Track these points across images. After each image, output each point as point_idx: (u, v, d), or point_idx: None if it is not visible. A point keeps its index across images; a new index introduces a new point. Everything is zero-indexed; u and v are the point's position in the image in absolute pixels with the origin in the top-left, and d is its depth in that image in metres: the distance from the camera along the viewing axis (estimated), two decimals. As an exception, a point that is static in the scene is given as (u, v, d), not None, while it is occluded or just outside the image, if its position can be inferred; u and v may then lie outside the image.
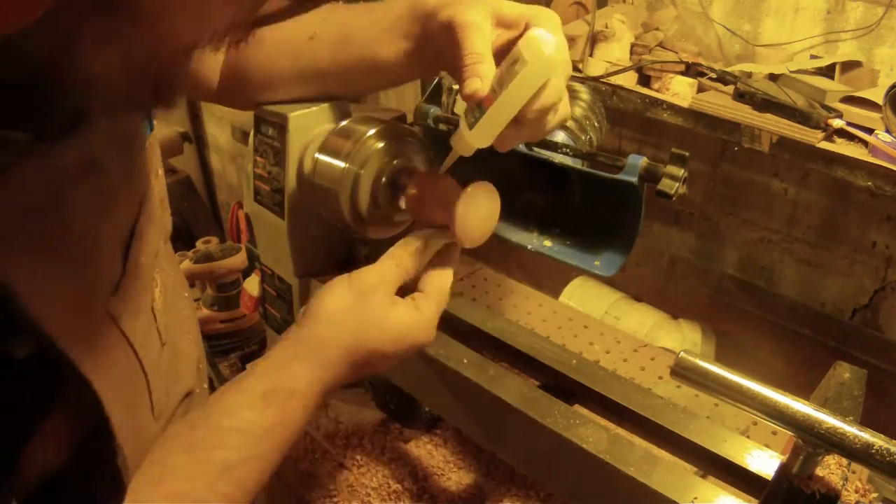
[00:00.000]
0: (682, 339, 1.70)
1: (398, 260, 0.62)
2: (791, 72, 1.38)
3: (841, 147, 1.24)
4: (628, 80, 1.51)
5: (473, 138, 0.58)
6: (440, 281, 0.64)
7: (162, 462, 0.51)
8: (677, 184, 0.69)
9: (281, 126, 0.92)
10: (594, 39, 1.55)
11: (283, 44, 0.80)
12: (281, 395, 0.54)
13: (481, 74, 0.54)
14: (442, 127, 0.92)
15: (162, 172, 0.66)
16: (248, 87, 0.84)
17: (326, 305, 0.58)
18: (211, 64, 0.84)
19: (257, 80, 0.84)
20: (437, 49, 0.63)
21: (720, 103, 1.35)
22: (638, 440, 0.72)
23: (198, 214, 3.28)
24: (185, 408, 0.67)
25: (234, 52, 0.80)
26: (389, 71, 0.74)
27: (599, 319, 1.56)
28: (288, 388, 0.54)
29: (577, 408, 0.76)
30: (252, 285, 1.20)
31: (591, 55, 1.55)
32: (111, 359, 0.51)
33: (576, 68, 1.58)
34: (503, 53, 0.56)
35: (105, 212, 0.50)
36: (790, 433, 0.53)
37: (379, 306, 0.58)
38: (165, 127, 3.09)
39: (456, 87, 0.98)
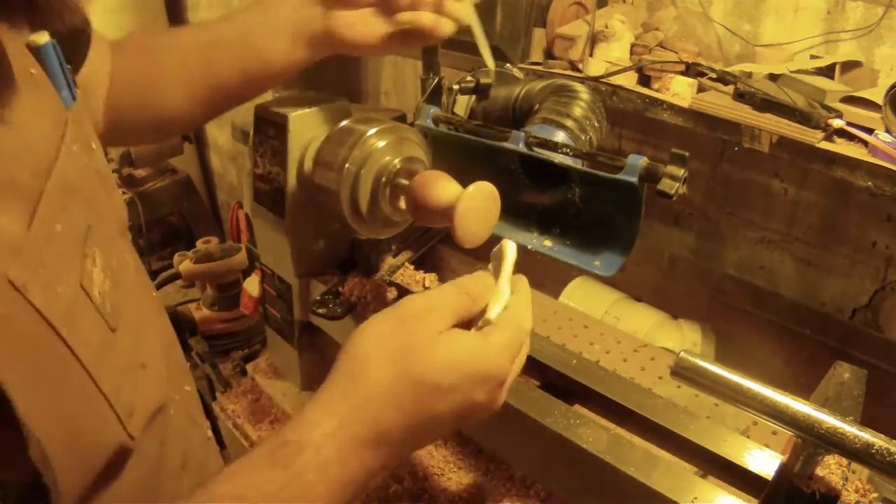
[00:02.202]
0: (682, 339, 1.70)
1: (460, 287, 0.51)
2: (791, 72, 1.38)
3: (841, 147, 1.24)
4: (628, 80, 1.51)
5: None
6: (514, 311, 0.52)
7: None
8: (677, 184, 0.69)
9: (281, 126, 0.92)
10: (594, 39, 1.55)
11: (188, 55, 0.81)
12: (288, 452, 0.42)
13: None
14: (442, 127, 0.92)
15: (98, 147, 0.55)
16: (151, 108, 0.82)
17: (358, 336, 0.48)
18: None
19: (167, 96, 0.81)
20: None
21: (720, 103, 1.35)
22: (638, 440, 0.72)
23: (198, 214, 3.28)
24: (160, 426, 0.53)
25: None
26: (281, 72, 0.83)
27: (599, 319, 1.56)
28: (296, 442, 0.42)
29: (577, 408, 0.76)
30: (252, 285, 1.20)
31: (591, 55, 1.55)
32: (15, 331, 0.37)
33: (576, 68, 1.58)
34: None
35: None
36: (790, 433, 0.53)
37: (426, 329, 0.47)
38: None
39: (456, 86, 0.98)
